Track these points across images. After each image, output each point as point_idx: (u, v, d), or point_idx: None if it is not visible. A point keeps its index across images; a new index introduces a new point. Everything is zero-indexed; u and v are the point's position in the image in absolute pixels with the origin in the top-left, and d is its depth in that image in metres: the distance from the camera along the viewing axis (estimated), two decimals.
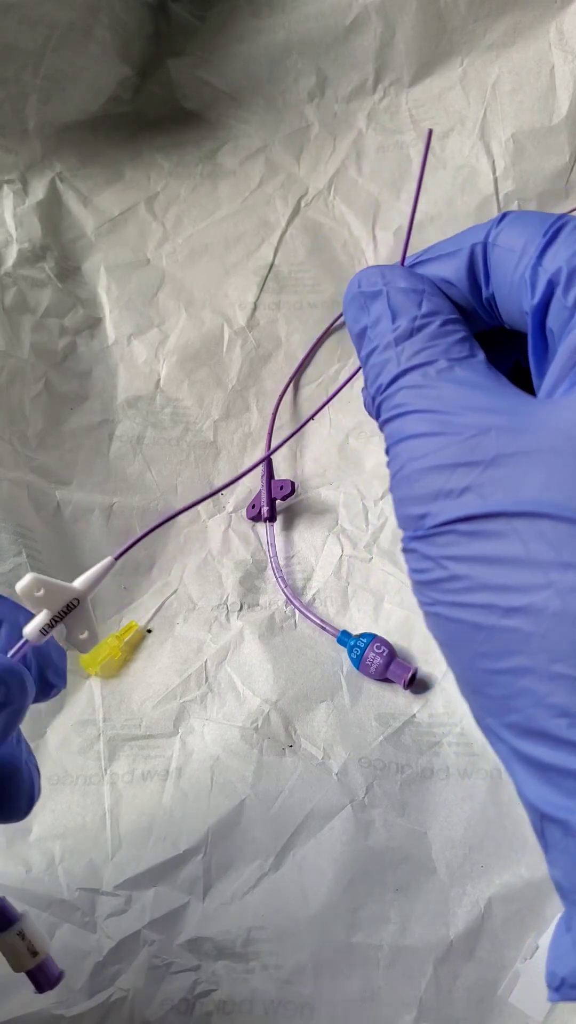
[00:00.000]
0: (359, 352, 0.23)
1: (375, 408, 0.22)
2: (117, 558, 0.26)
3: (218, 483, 0.51)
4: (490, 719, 0.18)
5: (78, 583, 0.25)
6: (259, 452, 0.52)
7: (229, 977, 0.34)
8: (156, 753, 0.40)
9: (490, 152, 0.58)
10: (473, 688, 0.19)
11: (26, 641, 0.24)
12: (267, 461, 0.51)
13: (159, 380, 0.54)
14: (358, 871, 0.36)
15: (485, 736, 0.19)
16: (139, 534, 0.27)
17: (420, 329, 0.22)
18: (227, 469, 0.52)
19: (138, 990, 0.34)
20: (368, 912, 0.35)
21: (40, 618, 0.25)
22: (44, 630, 0.25)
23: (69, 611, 0.25)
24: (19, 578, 0.43)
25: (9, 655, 0.24)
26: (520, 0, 0.59)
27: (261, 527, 0.49)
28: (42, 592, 0.24)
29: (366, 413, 0.56)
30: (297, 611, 0.45)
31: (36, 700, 0.25)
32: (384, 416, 0.21)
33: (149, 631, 0.45)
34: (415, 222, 0.58)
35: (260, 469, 0.51)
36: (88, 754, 0.41)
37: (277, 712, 0.41)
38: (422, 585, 0.20)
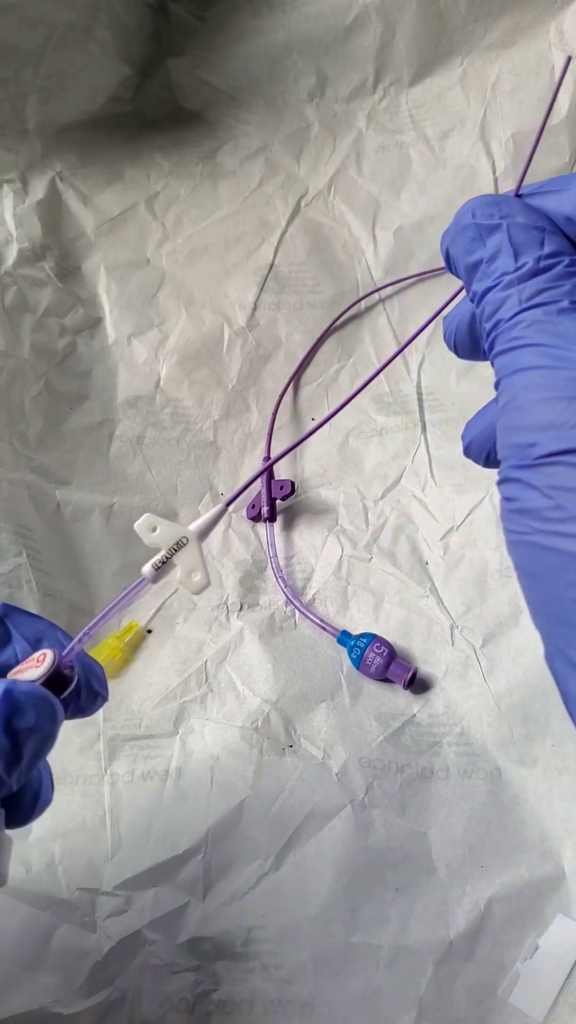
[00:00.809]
0: (470, 285, 0.23)
1: (487, 341, 0.22)
2: (229, 504, 0.28)
3: (218, 483, 0.51)
4: (571, 651, 0.19)
5: (192, 527, 0.27)
6: (259, 452, 0.52)
7: (229, 977, 0.34)
8: (156, 753, 0.40)
9: (490, 152, 0.58)
10: (556, 619, 0.19)
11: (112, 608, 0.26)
12: (267, 461, 0.51)
13: (159, 380, 0.54)
14: (358, 871, 0.36)
15: (554, 674, 0.19)
16: (246, 481, 0.29)
17: (545, 270, 0.22)
18: (227, 469, 0.52)
19: (138, 990, 0.34)
20: (368, 912, 0.35)
21: (156, 556, 0.26)
22: (157, 566, 0.26)
23: (180, 549, 0.27)
24: (19, 578, 0.43)
25: (65, 652, 0.25)
26: (520, 0, 0.59)
27: (261, 527, 0.49)
28: (158, 530, 0.26)
29: (366, 413, 0.56)
30: (297, 611, 0.45)
31: (82, 714, 0.26)
32: (499, 348, 0.22)
33: (149, 631, 0.45)
34: (415, 223, 0.58)
35: (260, 469, 0.51)
36: (88, 754, 0.40)
37: (277, 712, 0.41)
38: (519, 514, 0.20)
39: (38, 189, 0.58)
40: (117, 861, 0.37)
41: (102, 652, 0.43)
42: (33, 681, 0.24)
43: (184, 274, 0.58)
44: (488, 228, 0.23)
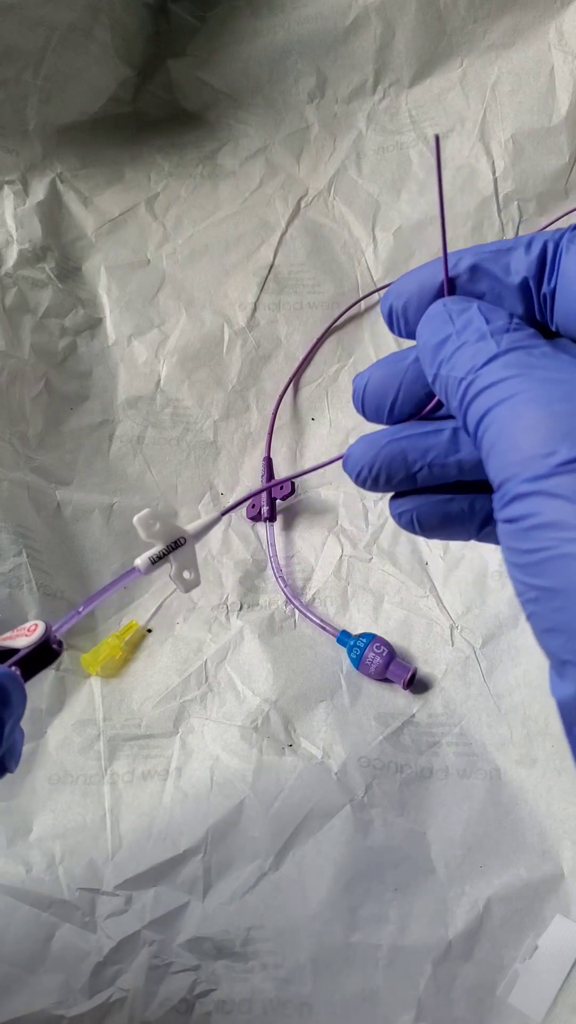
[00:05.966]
0: (435, 358, 0.23)
1: (459, 392, 0.22)
2: (224, 513, 0.28)
3: (218, 483, 0.51)
4: None
5: (190, 527, 0.28)
6: (259, 452, 0.52)
7: (229, 977, 0.34)
8: (156, 753, 0.41)
9: (490, 153, 0.58)
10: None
11: (134, 569, 0.27)
12: (267, 461, 0.51)
13: (159, 380, 0.54)
14: (357, 871, 0.36)
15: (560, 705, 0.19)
16: (246, 495, 0.30)
17: (518, 328, 0.22)
18: (227, 469, 0.52)
19: (138, 990, 0.34)
20: (367, 912, 0.35)
21: (152, 550, 0.27)
22: (153, 560, 0.27)
23: (176, 547, 0.27)
24: (19, 578, 0.43)
25: (56, 627, 0.26)
26: (520, 0, 0.59)
27: (261, 527, 0.49)
28: (157, 527, 0.27)
29: None
30: (297, 611, 0.45)
31: None
32: (477, 388, 0.21)
33: (149, 631, 0.46)
34: (415, 223, 0.58)
35: (260, 469, 0.51)
36: (88, 754, 0.41)
37: (277, 712, 0.41)
38: (540, 529, 0.19)
39: (38, 190, 0.58)
40: (117, 861, 0.37)
41: (102, 651, 0.43)
42: (21, 649, 0.25)
43: (184, 275, 0.58)
44: (459, 310, 0.23)
